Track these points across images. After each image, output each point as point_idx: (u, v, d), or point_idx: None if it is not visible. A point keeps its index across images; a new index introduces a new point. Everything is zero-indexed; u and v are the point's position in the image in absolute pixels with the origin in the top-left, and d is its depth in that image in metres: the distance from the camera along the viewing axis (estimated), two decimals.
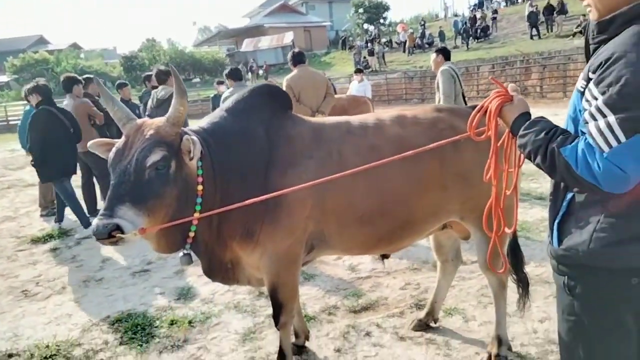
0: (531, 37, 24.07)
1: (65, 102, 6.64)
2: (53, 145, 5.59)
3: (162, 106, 5.65)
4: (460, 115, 2.56)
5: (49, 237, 5.97)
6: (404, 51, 30.53)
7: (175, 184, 2.08)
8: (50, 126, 5.61)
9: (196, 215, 2.16)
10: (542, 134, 1.41)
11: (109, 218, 1.86)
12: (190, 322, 3.49)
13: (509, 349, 2.82)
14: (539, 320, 3.18)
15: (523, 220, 4.97)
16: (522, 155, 1.57)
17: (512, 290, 2.87)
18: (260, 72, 34.19)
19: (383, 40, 34.12)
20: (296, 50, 6.02)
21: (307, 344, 3.08)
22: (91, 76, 7.26)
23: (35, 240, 5.91)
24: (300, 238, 2.43)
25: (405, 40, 30.58)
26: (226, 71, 6.66)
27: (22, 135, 6.84)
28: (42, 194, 7.20)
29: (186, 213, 2.14)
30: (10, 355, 3.24)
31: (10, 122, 23.72)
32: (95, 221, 1.86)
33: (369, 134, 2.50)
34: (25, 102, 7.11)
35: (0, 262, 5.28)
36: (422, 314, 3.25)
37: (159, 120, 2.14)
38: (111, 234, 1.84)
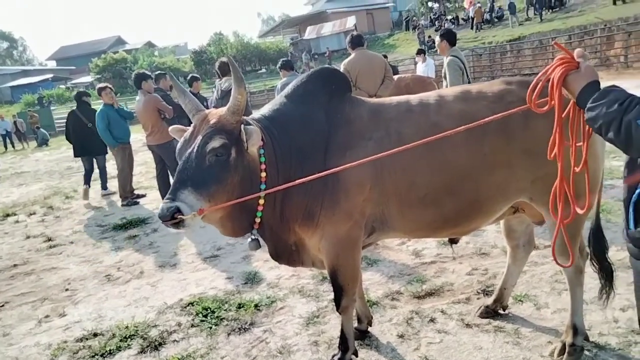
0: (614, 3, 22.16)
1: (137, 98, 7.01)
2: (74, 135, 8.18)
3: (226, 97, 5.86)
4: None
5: (129, 225, 6.38)
6: (472, 28, 29.19)
7: (236, 171, 2.14)
8: (72, 122, 8.19)
9: (254, 197, 2.21)
10: (616, 105, 1.28)
11: (172, 201, 1.97)
12: (256, 305, 3.60)
13: (586, 338, 2.63)
14: (621, 309, 2.94)
15: (604, 201, 4.60)
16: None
17: (589, 275, 2.67)
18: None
19: (449, 17, 32.84)
20: (354, 33, 5.95)
21: (369, 329, 3.06)
22: (164, 72, 7.65)
23: (117, 228, 6.35)
24: (359, 221, 2.41)
25: (473, 16, 29.19)
26: (279, 64, 7.02)
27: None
28: (122, 186, 7.67)
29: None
30: (95, 335, 3.51)
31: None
32: (160, 205, 1.98)
33: (430, 111, 2.42)
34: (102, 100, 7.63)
35: (87, 248, 5.72)
36: (489, 300, 3.11)
37: (222, 110, 2.21)
38: (174, 216, 1.93)
